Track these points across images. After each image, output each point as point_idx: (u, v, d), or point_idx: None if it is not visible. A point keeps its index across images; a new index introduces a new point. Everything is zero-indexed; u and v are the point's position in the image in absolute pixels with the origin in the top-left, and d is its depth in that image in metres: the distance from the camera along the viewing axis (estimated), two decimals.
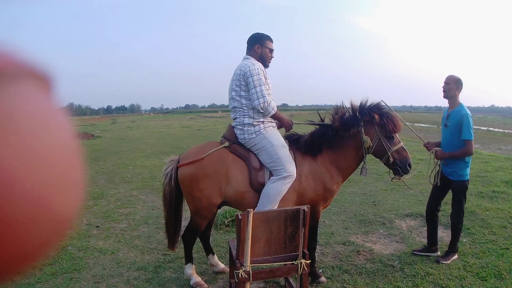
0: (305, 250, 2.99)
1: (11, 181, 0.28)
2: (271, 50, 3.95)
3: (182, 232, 4.06)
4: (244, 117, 3.76)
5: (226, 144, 3.84)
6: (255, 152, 3.79)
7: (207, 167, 3.68)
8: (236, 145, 3.84)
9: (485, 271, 4.20)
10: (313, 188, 3.84)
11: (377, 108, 3.88)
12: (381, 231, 5.61)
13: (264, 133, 3.73)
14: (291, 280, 3.59)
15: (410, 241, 5.18)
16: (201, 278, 4.03)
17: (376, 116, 3.81)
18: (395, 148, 3.88)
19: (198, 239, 4.14)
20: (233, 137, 3.85)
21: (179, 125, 39.52)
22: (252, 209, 2.74)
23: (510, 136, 26.37)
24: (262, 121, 3.78)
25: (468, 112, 4.36)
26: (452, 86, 4.44)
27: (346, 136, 3.88)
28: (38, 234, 0.32)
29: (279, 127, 3.99)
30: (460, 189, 4.45)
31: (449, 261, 4.46)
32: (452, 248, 4.56)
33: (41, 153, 0.31)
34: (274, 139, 3.75)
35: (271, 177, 3.67)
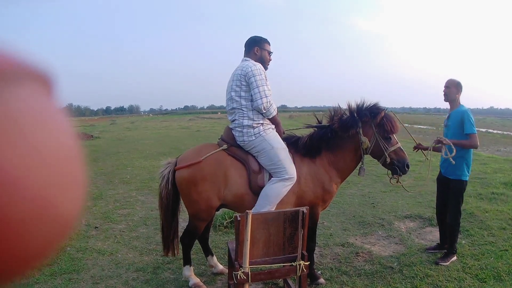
0: (304, 252, 2.98)
1: (13, 182, 0.28)
2: (270, 53, 3.96)
3: (179, 234, 4.06)
4: (243, 119, 3.74)
5: (225, 146, 3.82)
6: (254, 154, 3.77)
7: (205, 170, 3.66)
8: (234, 148, 3.82)
9: (484, 273, 4.19)
10: (312, 190, 3.83)
11: (376, 109, 3.88)
12: (380, 233, 5.61)
13: (264, 135, 3.72)
14: (290, 282, 3.59)
15: (409, 243, 5.17)
16: (200, 280, 4.02)
17: (381, 114, 3.81)
18: (393, 148, 3.89)
19: (196, 240, 4.13)
20: (231, 139, 3.84)
21: (178, 126, 39.56)
22: (250, 211, 2.74)
23: (509, 138, 26.36)
24: (262, 123, 3.76)
25: (467, 109, 4.43)
26: (453, 90, 4.51)
27: (345, 137, 3.88)
28: (41, 235, 0.32)
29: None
30: (457, 189, 4.46)
31: (448, 262, 4.46)
32: (451, 249, 4.55)
33: (43, 154, 0.31)
34: (274, 141, 3.73)
35: (272, 178, 3.65)
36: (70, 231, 0.35)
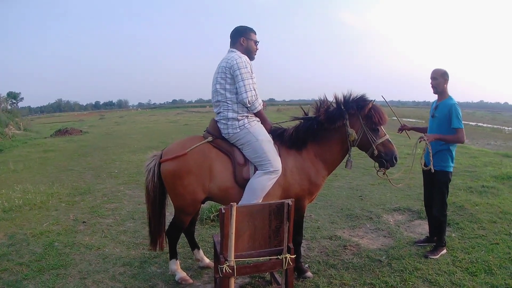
0: (290, 245, 2.94)
1: None
2: (256, 42, 3.89)
3: (166, 228, 4.01)
4: (228, 111, 3.68)
5: (210, 138, 3.76)
6: (239, 147, 3.71)
7: (190, 162, 3.60)
8: (219, 140, 3.77)
9: (474, 266, 4.17)
10: (298, 182, 3.78)
11: (363, 100, 3.82)
12: (368, 226, 5.59)
13: (248, 128, 3.66)
14: (277, 275, 3.55)
15: (397, 236, 5.15)
16: (186, 273, 3.98)
17: (368, 106, 3.76)
18: (381, 140, 3.84)
19: (182, 234, 4.08)
20: (217, 132, 3.78)
21: (166, 120, 39.62)
22: (235, 203, 2.69)
23: (499, 132, 26.53)
24: (247, 116, 3.71)
25: (456, 102, 4.40)
26: (440, 80, 4.47)
27: (331, 129, 3.83)
28: None
29: None
30: (443, 181, 4.45)
31: (438, 255, 4.44)
32: (440, 242, 4.54)
33: None
34: (259, 133, 3.68)
35: (257, 172, 3.60)
36: None
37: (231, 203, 2.65)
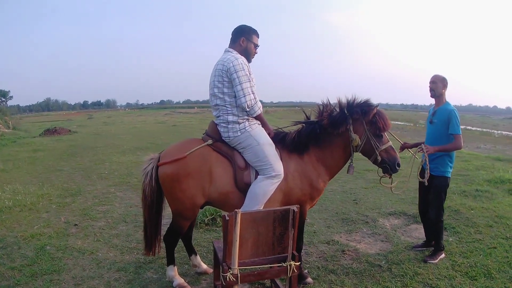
0: (295, 252, 2.87)
1: None
2: (256, 46, 3.78)
3: (163, 233, 3.90)
4: (227, 115, 3.59)
5: (210, 141, 3.66)
6: (240, 150, 3.62)
7: (190, 166, 3.49)
8: (219, 143, 3.67)
9: (474, 271, 4.16)
10: (300, 187, 3.70)
11: (367, 106, 3.75)
12: (364, 230, 5.54)
13: (249, 131, 3.57)
14: (278, 282, 3.47)
15: (395, 240, 5.11)
16: (184, 280, 3.88)
17: (373, 111, 3.70)
18: (384, 147, 3.77)
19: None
20: (217, 135, 3.68)
21: (154, 120, 39.54)
22: (239, 210, 2.60)
23: (488, 135, 26.79)
24: (247, 119, 3.62)
25: (455, 108, 4.40)
26: (439, 85, 4.47)
27: (334, 134, 3.76)
28: None
29: None
30: (441, 186, 4.42)
31: (437, 260, 4.41)
32: (438, 246, 4.51)
33: None
34: (260, 137, 3.59)
35: (258, 176, 3.51)
36: None
37: (236, 210, 2.57)
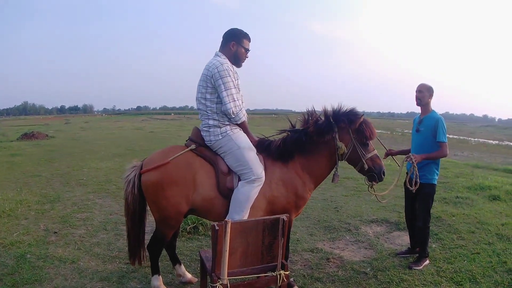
0: (284, 261, 2.84)
1: None
2: (247, 50, 3.74)
3: (146, 242, 3.82)
4: (209, 120, 3.57)
5: (193, 146, 3.62)
6: (221, 155, 3.59)
7: (173, 172, 3.43)
8: (203, 148, 3.64)
9: (459, 276, 4.21)
10: (284, 195, 3.66)
11: (353, 114, 3.74)
12: (347, 238, 5.54)
13: (231, 135, 3.55)
14: None
15: (378, 248, 5.13)
16: None
17: (360, 120, 3.70)
18: (370, 155, 3.78)
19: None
20: (200, 139, 3.65)
21: (131, 126, 39.25)
22: (229, 220, 2.56)
23: (465, 143, 27.30)
24: (228, 124, 3.60)
25: (441, 116, 4.46)
26: (425, 94, 4.53)
27: (320, 142, 3.73)
28: None
29: None
30: (428, 193, 4.47)
31: (421, 266, 4.45)
32: (423, 253, 4.55)
33: None
34: (241, 141, 3.57)
35: (239, 182, 3.47)
36: None
37: (226, 220, 2.53)
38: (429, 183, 4.44)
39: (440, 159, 4.55)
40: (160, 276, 3.80)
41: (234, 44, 3.65)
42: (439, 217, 6.26)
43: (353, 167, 3.94)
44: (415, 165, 4.24)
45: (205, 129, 3.59)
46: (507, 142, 32.27)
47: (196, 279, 4.02)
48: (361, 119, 3.71)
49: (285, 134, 3.91)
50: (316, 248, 5.11)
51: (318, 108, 3.91)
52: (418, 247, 4.66)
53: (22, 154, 14.60)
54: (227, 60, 3.60)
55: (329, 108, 3.80)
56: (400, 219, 6.18)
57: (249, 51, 3.76)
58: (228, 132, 3.55)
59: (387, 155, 4.72)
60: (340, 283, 4.09)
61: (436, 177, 4.54)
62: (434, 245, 5.11)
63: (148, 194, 3.52)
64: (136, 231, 3.73)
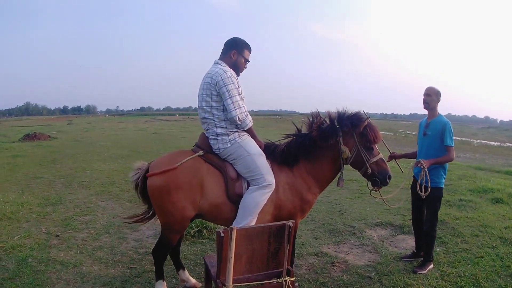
0: (289, 267, 2.81)
1: None
2: (247, 61, 3.75)
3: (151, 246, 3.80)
4: (216, 128, 3.54)
5: (201, 153, 3.60)
6: (231, 162, 3.57)
7: (180, 177, 3.41)
8: (210, 154, 3.61)
9: (463, 280, 4.19)
10: (290, 199, 3.64)
11: (358, 118, 3.71)
12: (352, 241, 5.51)
13: (239, 142, 3.52)
14: None
15: (383, 251, 5.10)
16: None
17: (364, 123, 3.66)
18: (375, 159, 3.73)
19: None
20: (207, 146, 3.62)
21: (134, 127, 39.18)
22: (235, 226, 2.53)
23: (468, 144, 27.25)
24: (236, 130, 3.58)
25: (448, 120, 4.46)
26: (433, 98, 4.53)
27: (324, 146, 3.71)
28: None
29: None
30: (435, 196, 4.43)
31: (426, 270, 4.42)
32: (427, 257, 4.52)
33: None
34: (251, 147, 3.54)
35: (249, 187, 3.45)
36: None
37: (231, 226, 2.50)
38: (437, 187, 4.41)
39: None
40: (165, 282, 3.77)
41: (235, 53, 3.65)
42: (443, 220, 6.21)
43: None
44: (426, 170, 4.21)
45: (213, 137, 3.57)
46: (508, 144, 32.23)
47: (200, 284, 3.99)
48: (365, 123, 3.68)
49: (290, 138, 3.89)
50: (321, 252, 5.08)
51: (323, 110, 3.88)
52: (423, 252, 4.62)
53: (24, 155, 14.57)
54: (229, 68, 3.59)
55: (334, 112, 3.78)
56: (404, 222, 6.15)
57: (248, 62, 3.76)
58: (236, 139, 3.53)
59: (390, 158, 4.69)
60: None
61: (443, 181, 4.52)
62: (438, 249, 5.07)
63: (154, 198, 3.50)
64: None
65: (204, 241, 5.35)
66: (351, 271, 4.46)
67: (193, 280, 4.04)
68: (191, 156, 3.54)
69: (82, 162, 12.82)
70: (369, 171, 3.73)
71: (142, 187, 3.56)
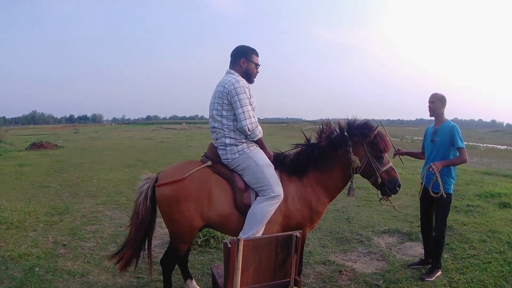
0: (297, 277, 2.80)
1: None
2: (257, 65, 3.73)
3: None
4: (225, 138, 3.54)
5: (209, 163, 3.59)
6: (239, 172, 3.56)
7: (189, 188, 3.42)
8: (219, 165, 3.60)
9: (471, 286, 4.17)
10: (299, 210, 3.62)
11: (367, 128, 3.69)
12: (359, 249, 5.48)
13: (248, 153, 3.52)
14: None
15: (391, 259, 5.07)
16: None
17: (374, 132, 3.65)
18: (385, 168, 3.71)
19: None
20: (216, 157, 3.62)
21: (141, 136, 39.27)
22: (242, 237, 2.53)
23: (474, 148, 27.08)
24: (245, 141, 3.57)
25: (455, 124, 4.47)
26: (438, 104, 4.53)
27: (333, 156, 3.69)
28: None
29: None
30: (445, 202, 4.40)
31: (434, 277, 4.39)
32: (436, 264, 4.49)
33: None
34: (259, 158, 3.53)
35: (257, 198, 3.44)
36: None
37: (238, 237, 2.50)
38: (446, 192, 4.36)
39: (456, 167, 4.53)
40: None
41: (244, 61, 3.64)
42: (450, 226, 6.17)
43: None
44: (437, 174, 4.19)
45: (222, 147, 3.57)
46: None
47: None
48: (375, 132, 3.66)
49: (299, 148, 3.88)
50: (328, 260, 5.05)
51: (330, 117, 3.88)
52: (431, 258, 4.59)
53: (31, 164, 14.66)
54: (241, 78, 3.58)
55: (343, 120, 3.77)
56: (412, 229, 6.12)
57: (259, 65, 3.75)
58: (245, 150, 3.53)
59: (395, 155, 4.70)
60: None
61: (452, 186, 4.50)
62: (446, 256, 5.03)
63: (162, 208, 3.51)
64: (138, 239, 3.67)
65: (211, 250, 5.34)
66: (359, 279, 4.44)
67: None
68: (200, 167, 3.54)
69: (89, 171, 12.86)
70: (379, 180, 3.70)
71: (151, 196, 3.56)
